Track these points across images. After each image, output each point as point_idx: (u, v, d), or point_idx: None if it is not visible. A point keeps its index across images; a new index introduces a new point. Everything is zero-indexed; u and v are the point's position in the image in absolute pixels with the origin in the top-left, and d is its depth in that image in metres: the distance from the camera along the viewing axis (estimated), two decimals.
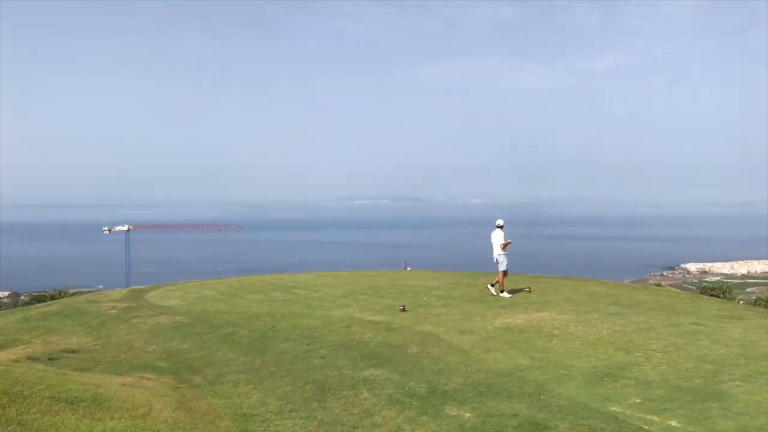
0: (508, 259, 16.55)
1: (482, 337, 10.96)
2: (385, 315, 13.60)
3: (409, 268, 31.36)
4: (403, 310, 13.99)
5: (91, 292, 35.03)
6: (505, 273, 16.40)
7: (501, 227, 16.69)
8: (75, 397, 6.69)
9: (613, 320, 12.40)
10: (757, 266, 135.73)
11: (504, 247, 16.47)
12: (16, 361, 9.82)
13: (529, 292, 17.23)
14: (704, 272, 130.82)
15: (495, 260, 16.76)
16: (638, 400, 7.24)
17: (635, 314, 13.14)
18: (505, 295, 16.13)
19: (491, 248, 16.83)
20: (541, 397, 7.48)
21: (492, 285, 16.53)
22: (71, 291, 41.93)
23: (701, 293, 27.21)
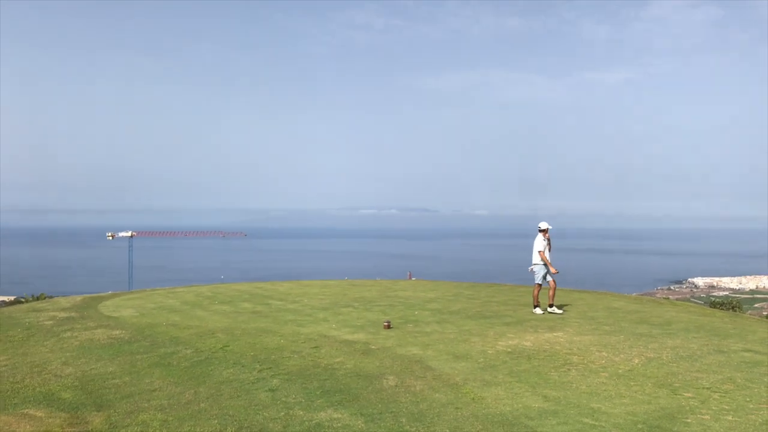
0: (546, 270, 14.28)
1: (480, 365, 8.60)
2: (365, 333, 11.27)
3: (413, 278, 29.32)
4: (388, 327, 11.66)
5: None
6: (540, 286, 14.26)
7: (543, 231, 14.25)
8: None
9: (644, 344, 10.03)
10: (766, 281, 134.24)
11: (542, 255, 14.14)
12: None
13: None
14: (712, 287, 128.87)
15: (530, 270, 14.37)
16: None
17: (669, 336, 10.77)
18: (537, 311, 13.88)
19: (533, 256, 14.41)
20: None
21: (551, 306, 13.93)
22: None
23: (711, 307, 24.77)
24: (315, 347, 9.99)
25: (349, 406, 6.86)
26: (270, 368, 8.73)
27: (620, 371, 8.14)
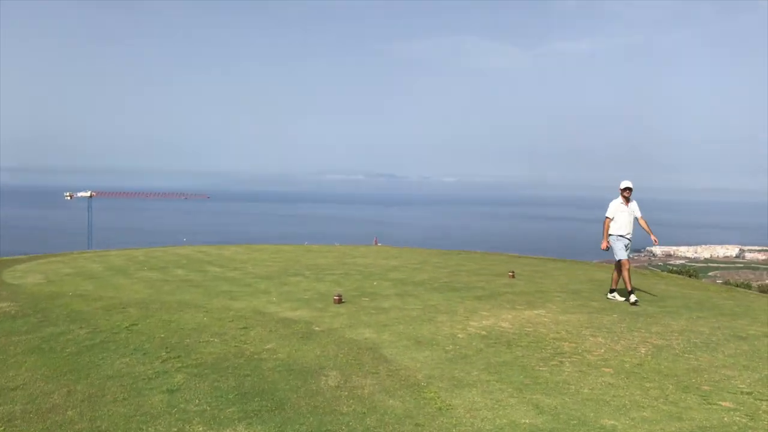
0: (623, 244, 10.57)
1: (449, 355, 6.74)
2: (310, 309, 9.32)
3: (379, 244, 27.61)
4: (339, 301, 9.74)
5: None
6: (619, 264, 10.50)
7: (623, 192, 10.55)
8: None
9: (645, 326, 8.30)
10: (719, 251, 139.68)
11: (606, 224, 10.55)
12: None
13: (513, 277, 13.15)
14: (669, 255, 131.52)
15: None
16: None
17: (670, 316, 9.07)
18: (614, 297, 10.57)
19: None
20: None
21: (630, 292, 10.18)
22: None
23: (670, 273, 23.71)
24: (244, 328, 8.01)
25: (268, 420, 4.93)
26: (178, 357, 6.73)
27: (627, 365, 6.36)
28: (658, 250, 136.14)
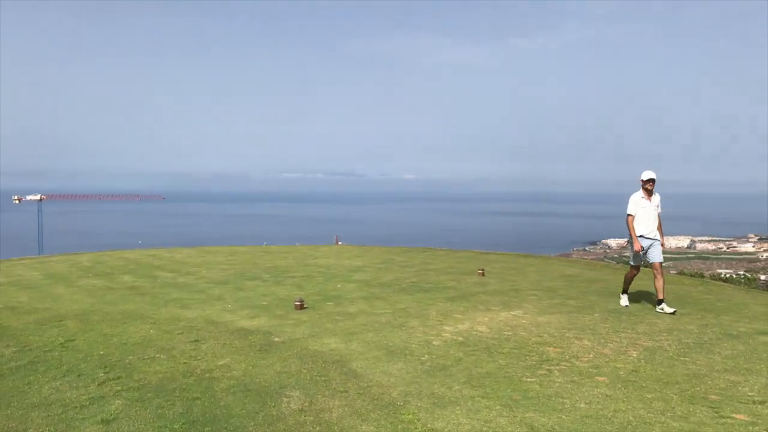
0: (646, 244, 9.25)
1: (426, 367, 6.06)
2: (269, 316, 8.53)
3: (340, 243, 26.89)
4: (301, 307, 8.97)
5: None
6: (633, 268, 9.44)
7: (644, 184, 9.12)
8: None
9: (629, 326, 7.79)
10: (672, 242, 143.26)
11: (629, 222, 9.21)
12: None
13: (483, 275, 12.58)
14: (623, 248, 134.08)
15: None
16: None
17: (654, 314, 8.60)
18: (623, 301, 9.45)
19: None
20: None
21: (660, 301, 8.90)
22: None
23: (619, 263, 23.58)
24: (195, 341, 7.18)
25: None
26: (118, 378, 5.88)
27: (621, 373, 5.78)
28: (613, 242, 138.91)
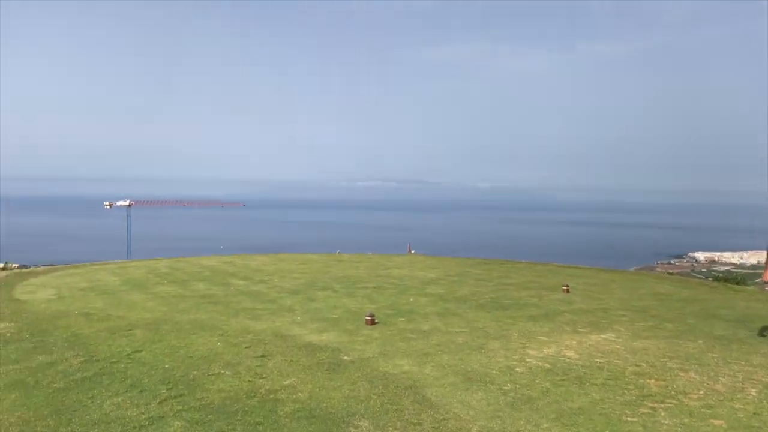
0: None
1: (509, 398, 5.44)
2: (338, 331, 8.12)
3: (413, 251, 26.45)
4: (372, 322, 8.52)
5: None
6: None
7: None
8: None
9: (743, 356, 6.89)
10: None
11: None
12: None
13: (567, 291, 11.77)
14: (713, 261, 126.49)
15: None
16: None
17: (766, 342, 7.64)
18: None
19: None
20: None
21: None
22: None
23: (715, 281, 21.82)
24: (262, 356, 6.84)
25: None
26: (180, 396, 5.58)
27: (741, 416, 4.98)
28: (701, 256, 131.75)
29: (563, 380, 5.92)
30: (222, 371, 6.31)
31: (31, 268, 15.39)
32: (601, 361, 6.64)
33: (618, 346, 7.30)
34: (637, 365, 6.46)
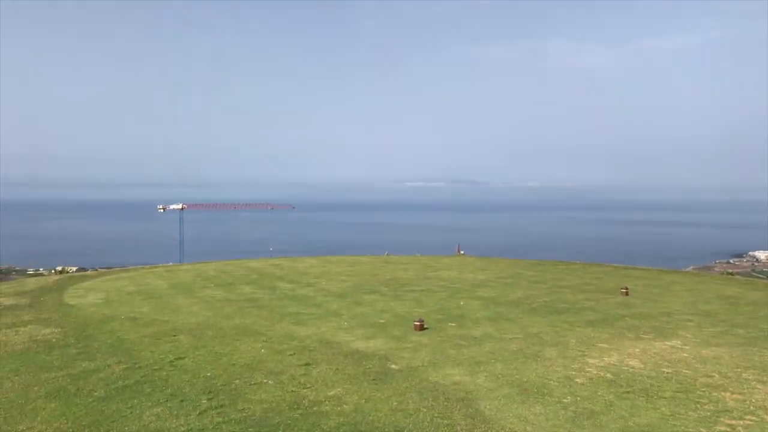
0: None
1: (568, 413, 5.03)
2: (386, 337, 7.81)
3: (462, 252, 25.99)
4: (420, 327, 8.17)
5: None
6: None
7: None
8: None
9: None
10: None
11: None
12: None
13: (626, 294, 11.17)
14: None
15: None
16: None
17: None
18: None
19: None
20: None
21: None
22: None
23: None
24: (306, 364, 6.58)
25: None
26: (221, 407, 5.37)
27: None
28: (762, 255, 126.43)
29: (628, 392, 5.46)
30: (265, 380, 6.08)
31: (88, 271, 15.61)
32: (669, 371, 6.13)
33: (686, 354, 6.77)
34: (708, 376, 5.94)
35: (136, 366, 6.74)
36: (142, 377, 6.32)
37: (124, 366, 6.76)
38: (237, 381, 6.08)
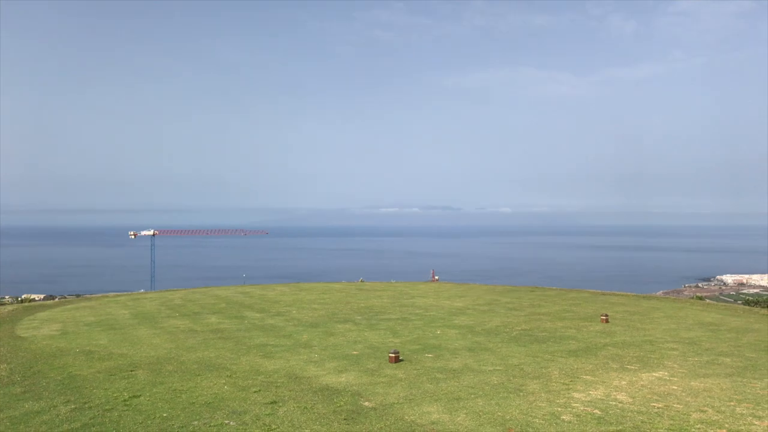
0: None
1: None
2: (358, 371, 7.33)
3: (437, 278, 25.63)
4: (396, 359, 7.73)
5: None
6: None
7: None
8: None
9: None
10: None
11: None
12: None
13: (606, 321, 10.87)
14: (741, 284, 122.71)
15: None
16: None
17: None
18: None
19: None
20: None
21: None
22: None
23: (745, 305, 20.55)
24: (272, 403, 6.08)
25: None
26: None
27: None
28: (729, 279, 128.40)
29: (619, 431, 5.07)
30: (226, 421, 5.57)
31: (55, 299, 14.85)
32: (659, 405, 5.77)
33: (675, 387, 6.42)
34: (701, 411, 5.59)
35: (86, 406, 6.17)
36: (90, 419, 5.76)
37: (72, 406, 6.18)
38: (195, 422, 5.56)
